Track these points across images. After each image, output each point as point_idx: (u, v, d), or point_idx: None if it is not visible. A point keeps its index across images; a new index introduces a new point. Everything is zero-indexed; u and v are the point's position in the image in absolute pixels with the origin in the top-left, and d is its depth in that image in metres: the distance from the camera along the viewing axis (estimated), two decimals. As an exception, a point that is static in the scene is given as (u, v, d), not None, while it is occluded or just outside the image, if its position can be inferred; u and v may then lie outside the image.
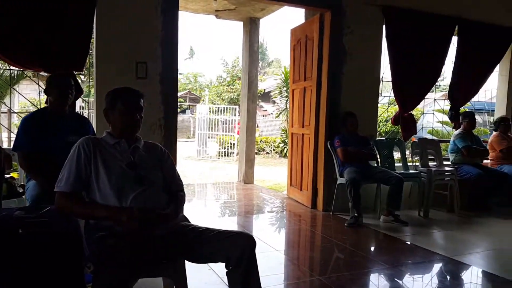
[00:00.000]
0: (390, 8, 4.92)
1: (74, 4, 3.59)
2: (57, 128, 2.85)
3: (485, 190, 5.14)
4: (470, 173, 5.05)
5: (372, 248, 4.00)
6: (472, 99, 6.08)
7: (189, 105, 26.20)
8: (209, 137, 12.73)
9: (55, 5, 3.52)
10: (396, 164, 5.17)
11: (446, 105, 6.31)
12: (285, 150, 11.14)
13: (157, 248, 1.87)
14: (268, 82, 23.09)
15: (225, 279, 1.92)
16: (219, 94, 20.26)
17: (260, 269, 3.11)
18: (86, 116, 4.55)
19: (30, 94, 9.70)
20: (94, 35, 3.82)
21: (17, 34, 3.46)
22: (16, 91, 8.00)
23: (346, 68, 4.84)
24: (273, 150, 13.39)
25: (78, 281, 1.74)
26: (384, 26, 4.97)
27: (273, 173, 8.87)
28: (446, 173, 5.06)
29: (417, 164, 5.28)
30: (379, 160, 5.00)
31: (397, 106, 5.38)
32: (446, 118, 6.21)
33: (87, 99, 5.17)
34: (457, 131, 5.43)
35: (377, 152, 4.96)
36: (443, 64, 5.43)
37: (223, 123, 12.94)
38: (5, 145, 7.74)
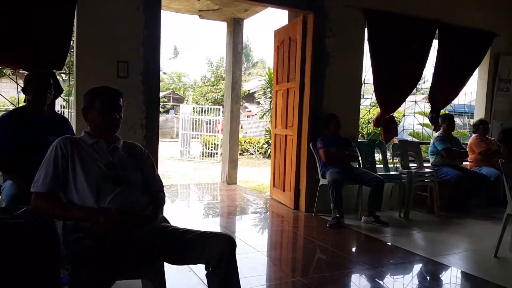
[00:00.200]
0: (372, 11, 4.97)
1: (53, 2, 3.53)
2: (36, 127, 2.80)
3: (464, 192, 5.22)
4: (450, 175, 5.13)
5: (353, 249, 4.03)
6: (452, 102, 6.17)
7: (173, 105, 26.05)
8: (192, 138, 12.67)
9: (34, 3, 3.46)
10: (377, 166, 5.22)
11: (427, 107, 6.40)
12: (269, 151, 11.15)
13: (136, 250, 1.85)
14: (252, 83, 23.09)
15: (206, 280, 1.91)
16: (203, 95, 20.20)
17: (242, 270, 3.10)
18: (67, 115, 4.49)
19: (9, 93, 9.52)
20: (74, 34, 3.76)
21: (-5, 31, 3.39)
22: (-5, 89, 7.83)
23: (328, 70, 4.87)
24: (257, 151, 13.41)
25: (55, 283, 1.71)
26: (366, 29, 5.02)
27: (257, 174, 8.88)
28: (426, 175, 5.13)
29: (398, 165, 5.35)
30: (360, 161, 5.04)
31: (379, 108, 5.44)
32: (426, 121, 6.29)
33: (67, 98, 5.08)
34: (437, 134, 5.52)
35: (358, 153, 5.00)
36: (424, 67, 5.50)
37: (207, 124, 12.89)
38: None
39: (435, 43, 5.57)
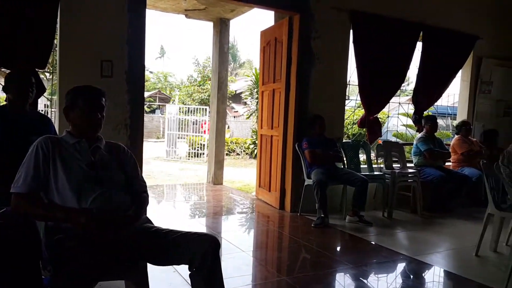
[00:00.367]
0: (357, 13, 5.01)
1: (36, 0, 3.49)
2: (17, 127, 2.76)
3: (447, 192, 5.29)
4: (432, 175, 5.20)
5: (338, 248, 4.06)
6: (436, 104, 6.26)
7: (159, 105, 25.89)
8: (179, 138, 12.61)
9: (16, 1, 3.41)
10: (361, 166, 5.27)
11: (410, 109, 6.47)
12: (256, 151, 11.17)
13: (118, 251, 1.84)
14: (239, 83, 23.08)
15: (190, 280, 1.90)
16: (190, 95, 20.11)
17: (227, 270, 3.12)
18: (51, 115, 4.43)
19: (-9, 92, 9.34)
20: (58, 32, 3.72)
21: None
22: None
23: (314, 71, 4.90)
24: (244, 151, 13.41)
25: (36, 285, 1.69)
26: (351, 31, 5.06)
27: (243, 174, 8.88)
28: (409, 175, 5.19)
29: (382, 166, 5.40)
30: (345, 162, 5.08)
31: (363, 109, 5.49)
32: (410, 122, 6.37)
33: (51, 97, 5.02)
34: (420, 135, 5.58)
35: (343, 154, 5.04)
36: (407, 69, 5.56)
37: (194, 124, 12.85)
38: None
39: (419, 45, 5.64)
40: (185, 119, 12.64)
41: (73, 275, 1.65)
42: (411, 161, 5.69)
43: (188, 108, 13.35)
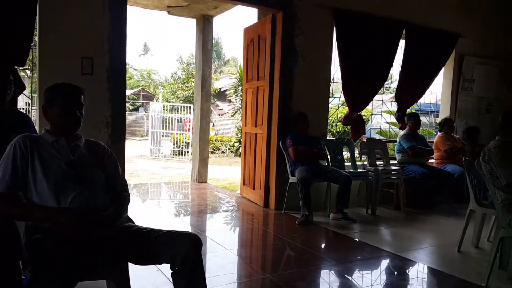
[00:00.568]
0: (340, 11, 5.02)
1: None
2: (-5, 125, 2.68)
3: (429, 188, 5.35)
4: (415, 172, 5.25)
5: (322, 246, 4.06)
6: (419, 101, 6.31)
7: (143, 103, 25.67)
8: (163, 136, 12.52)
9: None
10: (345, 163, 5.29)
11: (394, 106, 6.53)
12: (241, 149, 11.16)
13: (99, 251, 1.81)
14: (223, 81, 23.02)
15: (172, 280, 1.89)
16: (174, 92, 19.96)
17: (211, 268, 3.11)
18: (32, 113, 4.34)
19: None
20: (37, 28, 3.64)
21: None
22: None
23: (297, 69, 4.89)
24: (229, 149, 13.37)
25: (16, 285, 1.65)
26: (334, 28, 5.06)
27: (228, 172, 8.85)
28: (393, 172, 5.24)
29: (366, 163, 5.43)
30: (329, 159, 5.09)
31: (347, 107, 5.50)
32: (394, 119, 6.42)
33: (31, 95, 4.92)
34: (403, 132, 5.63)
35: (327, 151, 5.05)
36: (391, 66, 5.59)
37: (178, 122, 12.76)
38: None
39: (402, 43, 5.68)
40: (169, 117, 12.54)
41: (53, 275, 1.63)
42: (394, 158, 5.73)
43: (172, 106, 13.25)
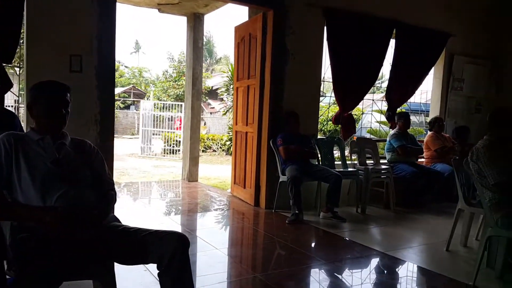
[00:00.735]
0: (331, 10, 5.02)
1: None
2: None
3: (419, 188, 5.36)
4: (405, 171, 5.27)
5: (312, 245, 4.07)
6: (409, 100, 6.34)
7: (134, 101, 25.52)
8: (154, 134, 12.45)
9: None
10: (336, 162, 5.29)
11: (384, 105, 6.55)
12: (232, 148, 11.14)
13: (85, 250, 1.79)
14: (215, 79, 22.97)
15: (159, 280, 1.87)
16: (165, 90, 19.86)
17: (200, 268, 3.10)
18: (17, 111, 4.29)
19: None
20: (24, 25, 3.59)
21: None
22: None
23: (288, 68, 4.88)
24: (220, 148, 13.34)
25: (0, 285, 1.63)
26: (325, 27, 5.06)
27: (219, 171, 8.84)
28: (382, 171, 5.25)
29: (356, 162, 5.44)
30: (319, 158, 5.10)
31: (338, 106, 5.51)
32: (384, 118, 6.44)
33: (19, 92, 4.86)
34: (393, 131, 5.65)
35: (318, 150, 5.05)
36: (381, 65, 5.61)
37: (169, 120, 12.70)
38: None
39: (392, 42, 5.70)
40: (160, 115, 12.48)
41: (38, 275, 1.61)
42: (384, 158, 5.75)
43: (164, 104, 13.19)
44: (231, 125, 13.04)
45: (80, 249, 1.77)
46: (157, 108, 12.83)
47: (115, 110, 23.76)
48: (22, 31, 3.62)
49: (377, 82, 6.14)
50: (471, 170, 3.01)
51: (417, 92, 6.34)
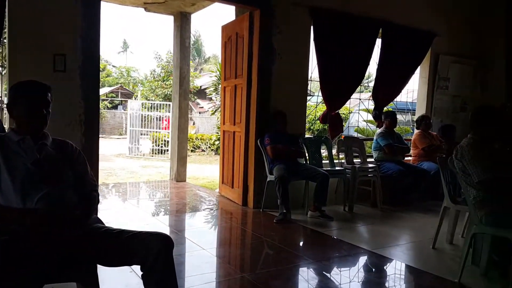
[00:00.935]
0: (317, 9, 5.02)
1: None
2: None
3: (406, 186, 5.39)
4: (392, 170, 5.30)
5: (299, 244, 4.08)
6: (395, 99, 6.38)
7: (121, 101, 25.33)
8: (142, 134, 12.37)
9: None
10: (324, 161, 5.30)
11: (371, 105, 6.58)
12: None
13: (66, 252, 1.76)
14: (204, 78, 22.89)
15: (143, 281, 1.85)
16: (153, 90, 19.74)
17: (187, 269, 3.07)
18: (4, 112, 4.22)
19: None
20: (6, 24, 3.53)
21: None
22: None
23: (275, 67, 4.87)
24: (209, 147, 13.30)
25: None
26: (311, 27, 5.06)
27: (208, 171, 8.81)
28: (369, 170, 5.27)
29: (343, 161, 5.46)
30: (307, 157, 5.10)
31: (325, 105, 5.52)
32: (371, 117, 6.47)
33: (2, 93, 4.78)
34: (380, 130, 5.67)
35: (305, 149, 5.06)
36: (367, 65, 5.63)
37: (158, 120, 12.63)
38: None
39: (378, 42, 5.72)
40: (148, 115, 12.40)
41: (18, 278, 1.58)
42: (371, 156, 5.77)
43: (152, 104, 13.10)
44: (220, 124, 13.05)
45: (62, 251, 1.74)
46: (145, 108, 12.75)
47: (103, 110, 23.48)
48: (4, 30, 3.56)
49: (364, 81, 6.16)
50: (455, 168, 3.03)
51: (404, 91, 6.38)
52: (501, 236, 2.78)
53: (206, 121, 20.93)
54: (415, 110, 6.98)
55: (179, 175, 6.79)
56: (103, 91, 26.04)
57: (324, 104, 5.54)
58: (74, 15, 3.68)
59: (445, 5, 6.36)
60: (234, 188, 5.30)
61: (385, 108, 6.09)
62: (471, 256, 3.16)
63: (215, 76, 14.08)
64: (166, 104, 12.60)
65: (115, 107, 25.50)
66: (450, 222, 3.87)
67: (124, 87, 27.13)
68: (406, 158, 5.88)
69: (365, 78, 6.15)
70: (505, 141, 3.22)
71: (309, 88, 5.36)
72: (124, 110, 22.31)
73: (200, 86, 20.63)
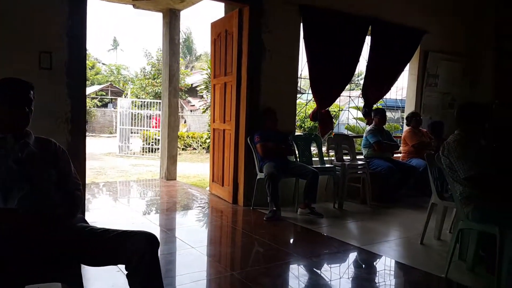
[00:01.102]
0: (307, 7, 5.01)
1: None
2: None
3: (395, 183, 5.41)
4: (381, 167, 5.31)
5: (290, 241, 4.08)
6: (385, 97, 6.40)
7: (111, 99, 25.16)
8: (132, 133, 12.29)
9: None
10: (313, 159, 5.31)
11: (361, 102, 6.60)
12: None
13: (50, 252, 1.74)
14: (195, 76, 22.79)
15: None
16: (143, 88, 19.63)
17: (178, 267, 3.07)
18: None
19: None
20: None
21: None
22: None
23: (265, 65, 4.86)
24: (200, 145, 13.26)
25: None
26: (301, 25, 5.05)
27: (199, 169, 8.78)
28: (359, 167, 5.29)
29: (333, 158, 5.47)
30: (297, 155, 5.10)
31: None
32: (361, 115, 6.49)
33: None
34: (369, 127, 5.69)
35: (295, 147, 5.06)
36: (357, 62, 5.64)
37: (148, 118, 12.56)
38: None
39: (368, 39, 5.73)
40: (138, 113, 12.32)
41: (1, 279, 1.55)
42: (361, 153, 5.79)
43: (142, 102, 13.02)
44: (210, 122, 13.00)
45: (45, 251, 1.72)
46: (135, 106, 12.66)
47: (92, 109, 23.23)
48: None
49: (355, 79, 6.17)
50: (442, 165, 3.05)
51: (393, 88, 6.41)
52: (487, 231, 2.80)
53: (197, 119, 20.86)
54: (404, 107, 7.02)
55: (170, 174, 6.77)
56: (92, 89, 25.88)
57: (314, 102, 5.54)
58: (60, 12, 3.63)
59: (435, 2, 6.38)
60: (224, 186, 5.29)
61: (374, 106, 6.11)
62: (458, 252, 3.18)
63: (206, 74, 14.03)
64: (156, 102, 12.53)
65: (105, 105, 25.33)
66: (438, 218, 3.90)
67: (114, 85, 26.96)
68: (395, 155, 5.91)
69: (355, 75, 6.16)
70: (491, 137, 3.25)
71: (299, 85, 5.35)
72: (114, 108, 22.16)
73: (191, 84, 20.54)
